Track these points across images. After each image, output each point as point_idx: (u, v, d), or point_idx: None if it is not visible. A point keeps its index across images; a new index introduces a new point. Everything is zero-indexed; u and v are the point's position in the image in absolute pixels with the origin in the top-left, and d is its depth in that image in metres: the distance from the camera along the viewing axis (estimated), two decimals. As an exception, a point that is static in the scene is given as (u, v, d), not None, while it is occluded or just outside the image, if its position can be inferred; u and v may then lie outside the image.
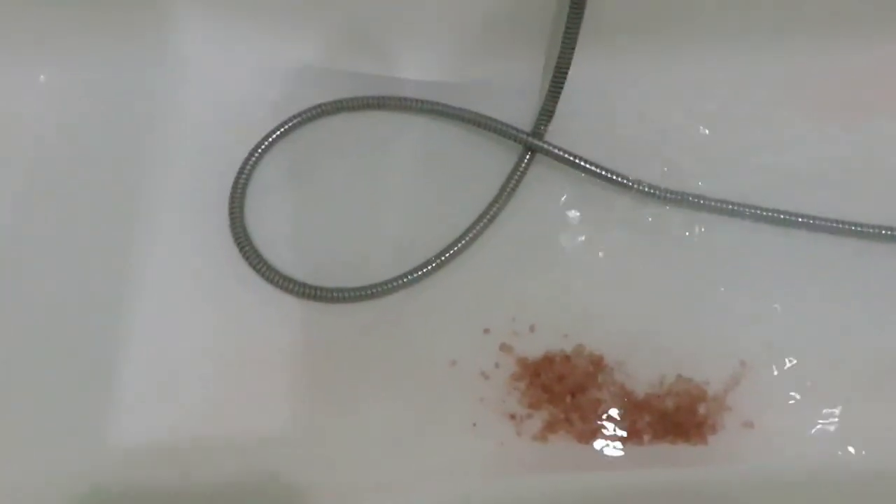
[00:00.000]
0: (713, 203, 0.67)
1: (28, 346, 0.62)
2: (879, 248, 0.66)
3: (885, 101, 0.70)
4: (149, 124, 0.69)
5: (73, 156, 0.67)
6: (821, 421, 0.60)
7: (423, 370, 0.63)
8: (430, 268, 0.65)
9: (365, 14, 0.70)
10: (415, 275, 0.65)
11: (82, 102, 0.69)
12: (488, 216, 0.67)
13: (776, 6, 0.69)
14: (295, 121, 0.70)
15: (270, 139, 0.69)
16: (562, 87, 0.68)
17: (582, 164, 0.67)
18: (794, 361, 0.62)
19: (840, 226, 0.66)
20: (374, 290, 0.64)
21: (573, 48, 0.66)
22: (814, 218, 0.66)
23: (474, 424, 0.61)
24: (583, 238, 0.67)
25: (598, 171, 0.67)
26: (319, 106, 0.70)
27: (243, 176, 0.68)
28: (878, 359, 0.62)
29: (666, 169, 0.69)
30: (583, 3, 0.63)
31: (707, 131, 0.70)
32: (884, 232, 0.65)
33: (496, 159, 0.70)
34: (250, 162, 0.68)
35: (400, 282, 0.65)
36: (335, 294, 0.64)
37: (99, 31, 0.69)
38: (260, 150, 0.69)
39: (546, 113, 0.69)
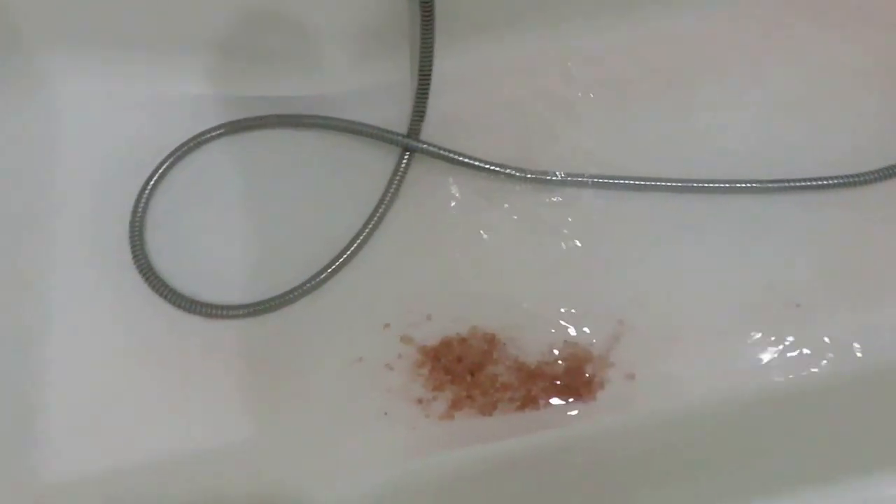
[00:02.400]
0: (581, 179, 0.72)
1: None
2: (727, 199, 0.73)
3: (711, 67, 0.76)
4: (38, 173, 0.71)
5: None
6: (693, 365, 0.67)
7: (332, 370, 0.67)
8: (325, 274, 0.69)
9: (236, 40, 0.73)
10: (313, 282, 0.69)
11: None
12: (375, 218, 0.71)
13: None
14: (180, 151, 0.73)
15: (160, 172, 0.72)
16: (428, 87, 0.72)
17: (455, 157, 0.72)
18: (665, 314, 0.68)
19: (695, 185, 0.72)
20: (276, 302, 0.68)
21: (431, 49, 0.70)
22: (673, 180, 0.72)
23: (386, 413, 0.66)
24: (465, 226, 0.72)
25: (471, 161, 0.72)
26: (201, 134, 0.73)
27: (139, 211, 0.70)
28: (740, 301, 0.69)
29: (535, 149, 0.74)
30: (431, 9, 0.67)
31: (569, 109, 0.75)
32: (729, 185, 0.72)
33: (379, 163, 0.74)
34: (144, 196, 0.71)
35: (299, 291, 0.69)
36: (240, 311, 0.68)
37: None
38: (151, 184, 0.71)
39: (418, 113, 0.73)
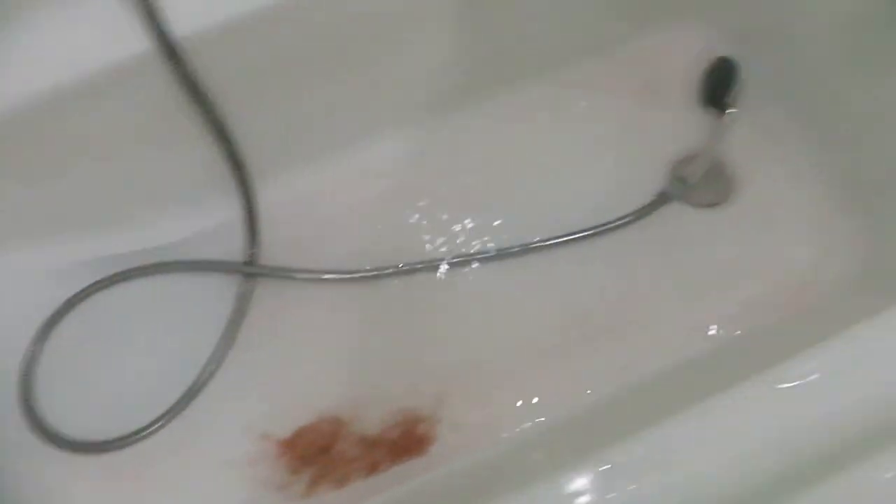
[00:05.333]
0: (373, 272, 0.84)
1: None
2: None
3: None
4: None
5: None
6: (506, 405, 0.78)
7: (206, 473, 0.77)
8: (187, 395, 0.80)
9: (97, 213, 0.85)
10: (177, 407, 0.79)
11: None
12: (227, 339, 0.82)
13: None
14: (55, 310, 0.84)
15: (37, 344, 0.82)
16: (254, 217, 0.85)
17: (286, 274, 0.84)
18: (477, 369, 0.79)
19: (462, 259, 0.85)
20: (139, 436, 0.78)
21: (246, 183, 0.83)
22: (459, 256, 0.85)
23: (254, 504, 0.75)
24: (306, 331, 0.83)
25: (299, 276, 0.84)
26: (76, 295, 0.84)
27: (23, 373, 0.81)
28: (536, 340, 0.80)
29: (357, 248, 0.87)
30: (234, 152, 0.80)
31: (368, 210, 0.88)
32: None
33: (228, 290, 0.85)
34: (27, 360, 0.82)
35: (165, 417, 0.79)
36: (110, 445, 0.78)
37: None
38: (32, 351, 0.82)
39: (250, 241, 0.85)
